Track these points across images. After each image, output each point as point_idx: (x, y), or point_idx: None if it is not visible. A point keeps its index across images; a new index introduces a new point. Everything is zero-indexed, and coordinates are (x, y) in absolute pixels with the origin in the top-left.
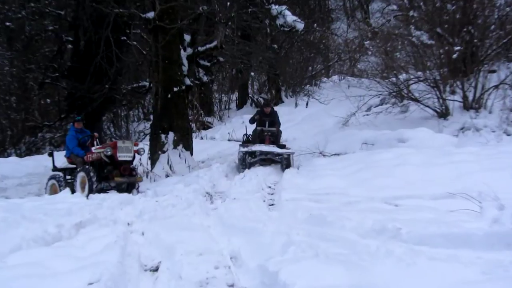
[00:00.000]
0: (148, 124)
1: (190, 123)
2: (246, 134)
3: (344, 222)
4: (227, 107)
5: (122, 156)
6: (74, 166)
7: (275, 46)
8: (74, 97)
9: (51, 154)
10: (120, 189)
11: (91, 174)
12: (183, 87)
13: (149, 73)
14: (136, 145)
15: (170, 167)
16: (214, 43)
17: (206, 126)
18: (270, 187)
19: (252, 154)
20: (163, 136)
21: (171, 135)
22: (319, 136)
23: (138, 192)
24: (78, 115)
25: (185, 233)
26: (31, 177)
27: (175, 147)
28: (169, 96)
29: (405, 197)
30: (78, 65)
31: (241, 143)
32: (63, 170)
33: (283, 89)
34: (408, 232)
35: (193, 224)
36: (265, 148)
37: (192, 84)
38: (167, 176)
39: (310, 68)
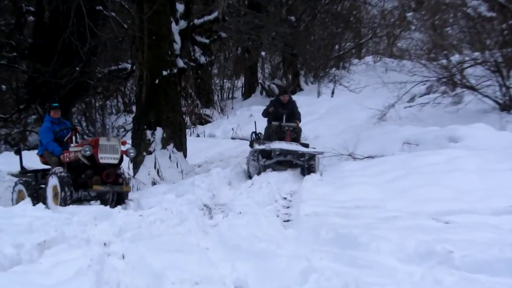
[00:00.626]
0: (129, 118)
1: (184, 116)
2: (255, 133)
3: (380, 243)
4: (230, 96)
5: (105, 158)
6: (49, 167)
7: (292, 18)
8: (36, 82)
9: (18, 152)
10: (103, 200)
11: (65, 179)
12: (175, 71)
13: (131, 52)
14: (124, 143)
15: (158, 172)
16: (215, 14)
17: (203, 120)
18: (285, 198)
19: (268, 154)
20: (149, 132)
21: (159, 131)
22: (348, 134)
23: (125, 203)
24: (52, 102)
25: (178, 257)
26: None
27: (164, 146)
28: (157, 81)
29: (457, 211)
30: (42, 42)
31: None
32: (33, 172)
33: (302, 73)
34: (461, 257)
35: (188, 245)
36: (288, 146)
37: (186, 66)
38: (154, 183)
39: (337, 46)
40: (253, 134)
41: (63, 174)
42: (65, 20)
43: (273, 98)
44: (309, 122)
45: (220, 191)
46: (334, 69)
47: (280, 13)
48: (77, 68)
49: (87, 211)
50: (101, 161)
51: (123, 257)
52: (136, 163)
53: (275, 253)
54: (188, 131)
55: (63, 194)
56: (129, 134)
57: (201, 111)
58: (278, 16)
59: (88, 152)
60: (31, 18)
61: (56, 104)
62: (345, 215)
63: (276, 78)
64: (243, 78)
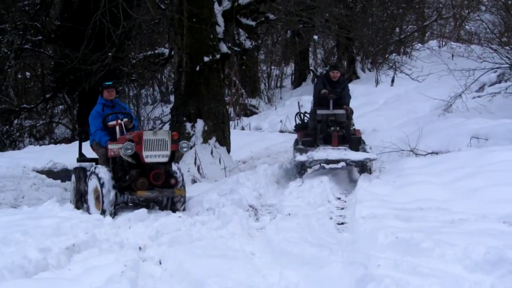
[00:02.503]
0: (167, 108)
1: (227, 107)
2: (300, 113)
3: (445, 249)
4: (278, 84)
5: (151, 156)
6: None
7: None
8: (64, 69)
9: (80, 134)
10: (158, 204)
11: (107, 181)
12: (217, 56)
13: (169, 36)
14: (175, 137)
15: (199, 169)
16: None
17: (249, 112)
18: (339, 198)
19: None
20: (188, 125)
21: (200, 123)
22: (410, 127)
23: (184, 209)
24: (108, 81)
25: (220, 263)
26: (4, 181)
27: (205, 140)
28: (198, 68)
29: None
30: (70, 24)
31: (294, 128)
32: (94, 161)
33: (358, 59)
34: None
35: (231, 250)
36: (334, 155)
37: (229, 52)
38: (194, 181)
39: (397, 29)
40: (298, 116)
41: (104, 174)
42: (96, 0)
43: (321, 75)
44: (366, 113)
45: (267, 190)
46: (394, 54)
47: None
48: (109, 54)
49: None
50: (147, 160)
51: (160, 263)
52: (175, 159)
53: (328, 260)
54: (232, 124)
55: (105, 199)
56: (166, 126)
57: (247, 101)
58: None
59: (129, 151)
60: None
61: (110, 83)
62: (406, 217)
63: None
64: (293, 65)
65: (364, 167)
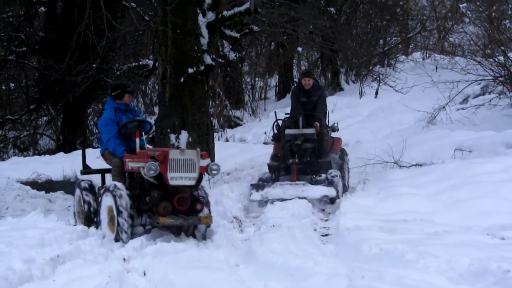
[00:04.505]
0: (151, 120)
1: (211, 118)
2: (277, 123)
3: (429, 261)
4: (262, 96)
5: (176, 179)
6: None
7: (332, 9)
8: (48, 80)
9: (81, 144)
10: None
11: (122, 200)
12: (202, 68)
13: (153, 47)
14: (204, 158)
15: None
16: (246, 5)
17: (233, 123)
18: (323, 210)
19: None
20: (173, 136)
21: (184, 135)
22: (394, 139)
23: (204, 237)
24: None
25: (204, 274)
26: None
27: None
28: (182, 80)
29: None
30: (55, 35)
31: (271, 139)
32: (100, 172)
33: (342, 71)
34: None
35: (216, 261)
36: (290, 193)
37: (214, 63)
38: None
39: (381, 41)
40: (275, 126)
41: (120, 192)
42: (80, 11)
43: (293, 86)
44: (350, 125)
45: (251, 202)
46: (378, 66)
47: (319, 4)
48: (94, 65)
49: None
50: (172, 182)
51: (144, 274)
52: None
53: (313, 271)
54: (216, 135)
55: (122, 225)
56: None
57: (231, 112)
58: (317, 8)
59: (152, 172)
60: (42, 9)
61: (129, 88)
62: (390, 229)
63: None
64: (277, 77)
65: (331, 200)
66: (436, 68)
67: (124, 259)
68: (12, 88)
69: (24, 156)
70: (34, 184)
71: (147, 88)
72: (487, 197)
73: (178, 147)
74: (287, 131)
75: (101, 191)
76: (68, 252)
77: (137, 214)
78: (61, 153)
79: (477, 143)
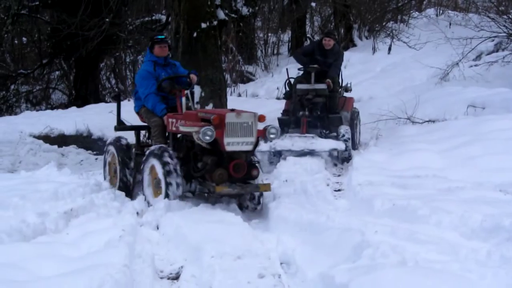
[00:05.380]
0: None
1: (224, 73)
2: (289, 80)
3: (442, 216)
4: (275, 51)
5: (233, 144)
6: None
7: None
8: (60, 35)
9: (116, 98)
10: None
11: (169, 165)
12: (215, 23)
13: (166, 2)
14: (261, 120)
15: None
16: None
17: (245, 78)
18: (336, 165)
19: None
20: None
21: (197, 90)
22: (407, 95)
23: (258, 204)
24: (159, 34)
25: (217, 228)
26: (1, 146)
27: (202, 107)
28: (195, 35)
29: None
30: None
31: (283, 97)
32: (136, 129)
33: (355, 27)
34: None
35: (229, 216)
36: (299, 145)
37: (227, 18)
38: None
39: None
40: (287, 84)
41: (168, 155)
42: None
43: (314, 40)
44: (363, 81)
45: (264, 157)
46: (391, 22)
47: None
48: (107, 19)
49: None
50: (228, 148)
51: (158, 228)
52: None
53: (325, 226)
54: (228, 90)
55: (167, 187)
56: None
57: (243, 68)
58: None
59: (208, 138)
60: None
61: (162, 36)
62: (402, 185)
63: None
64: (290, 32)
65: (341, 154)
66: (450, 24)
67: (137, 213)
68: (25, 42)
69: (37, 111)
70: (47, 138)
71: None
72: (499, 154)
73: (233, 109)
74: (299, 86)
75: (147, 152)
76: (81, 205)
77: (186, 181)
78: (74, 108)
79: (490, 100)
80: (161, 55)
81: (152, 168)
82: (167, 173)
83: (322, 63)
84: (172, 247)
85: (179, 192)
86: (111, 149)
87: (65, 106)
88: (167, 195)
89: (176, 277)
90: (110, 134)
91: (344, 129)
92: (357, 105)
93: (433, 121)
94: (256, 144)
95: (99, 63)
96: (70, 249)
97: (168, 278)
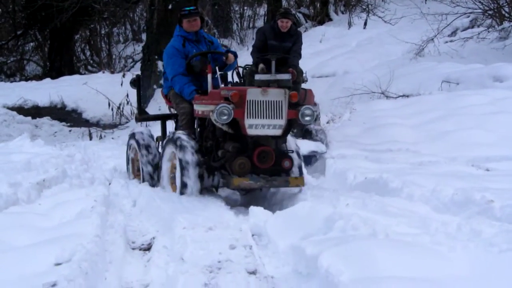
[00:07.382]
0: (139, 47)
1: None
2: (238, 70)
3: (414, 190)
4: (251, 25)
5: (257, 127)
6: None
7: None
8: (35, 5)
9: (135, 83)
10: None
11: (190, 155)
12: None
13: None
14: (294, 99)
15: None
16: None
17: None
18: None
19: None
20: (160, 63)
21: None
22: (381, 70)
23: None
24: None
25: (190, 200)
26: None
27: None
28: (170, 7)
29: (500, 158)
30: None
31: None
32: (161, 119)
33: (331, 1)
34: (502, 207)
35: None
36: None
37: None
38: None
39: None
40: (247, 68)
41: (184, 144)
42: None
43: (266, 24)
44: (338, 55)
45: None
46: None
47: None
48: None
49: (89, 147)
50: (250, 132)
51: (132, 201)
52: (145, 97)
53: (297, 198)
54: None
55: (184, 175)
56: (138, 65)
57: (219, 41)
58: None
59: (225, 118)
60: None
61: (192, 8)
62: (375, 158)
63: (302, 6)
64: (266, 6)
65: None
66: None
67: (110, 184)
68: None
69: (11, 82)
70: (21, 110)
71: (135, 15)
72: (473, 129)
73: (258, 85)
74: (257, 77)
75: (165, 140)
76: (54, 176)
77: (208, 173)
78: (48, 79)
79: (464, 76)
80: (192, 30)
81: (169, 159)
82: (183, 163)
83: (278, 48)
84: (144, 218)
85: (195, 191)
86: (133, 143)
87: (39, 77)
88: (184, 183)
89: (148, 248)
90: (84, 106)
91: (317, 129)
92: (332, 80)
93: (407, 96)
94: (289, 129)
95: (74, 34)
96: (42, 220)
97: (140, 249)
